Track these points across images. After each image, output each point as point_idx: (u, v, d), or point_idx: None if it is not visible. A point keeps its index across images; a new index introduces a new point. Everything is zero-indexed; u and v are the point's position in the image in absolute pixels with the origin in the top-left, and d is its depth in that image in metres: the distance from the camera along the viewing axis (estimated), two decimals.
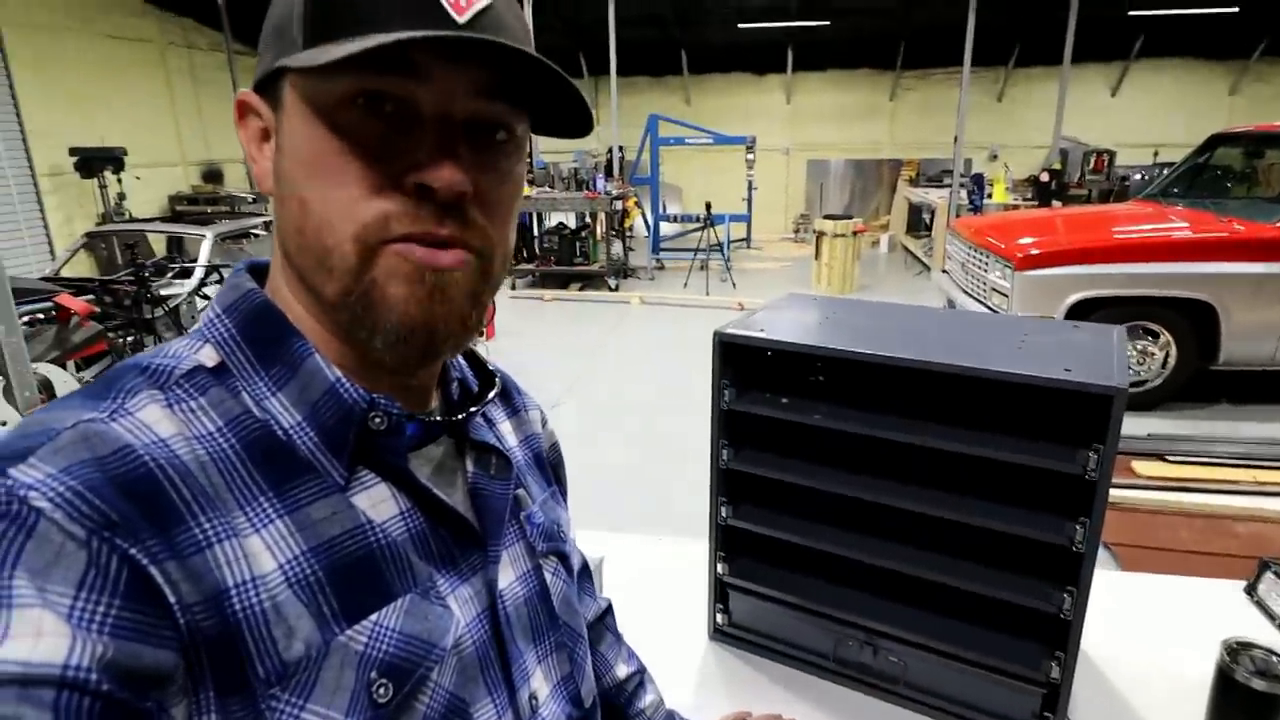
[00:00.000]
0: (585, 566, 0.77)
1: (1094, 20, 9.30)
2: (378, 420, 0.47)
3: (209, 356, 0.47)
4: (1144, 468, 3.51)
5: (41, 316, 3.77)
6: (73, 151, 7.51)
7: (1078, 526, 0.89)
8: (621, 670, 0.78)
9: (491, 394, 0.58)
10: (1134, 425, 4.12)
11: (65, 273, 5.43)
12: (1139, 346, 4.48)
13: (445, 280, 0.45)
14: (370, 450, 0.48)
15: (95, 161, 7.63)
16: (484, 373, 0.62)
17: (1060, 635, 0.92)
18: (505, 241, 0.49)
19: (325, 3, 0.43)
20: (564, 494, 0.71)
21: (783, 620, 1.15)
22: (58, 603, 0.35)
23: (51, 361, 3.07)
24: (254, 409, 0.45)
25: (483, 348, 5.35)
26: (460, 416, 0.55)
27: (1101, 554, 2.91)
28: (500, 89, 0.45)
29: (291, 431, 0.46)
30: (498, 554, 0.55)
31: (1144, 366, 4.49)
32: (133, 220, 7.57)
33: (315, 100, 0.44)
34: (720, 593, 1.19)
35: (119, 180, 7.88)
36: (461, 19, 0.43)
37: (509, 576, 0.56)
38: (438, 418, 0.53)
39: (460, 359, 0.61)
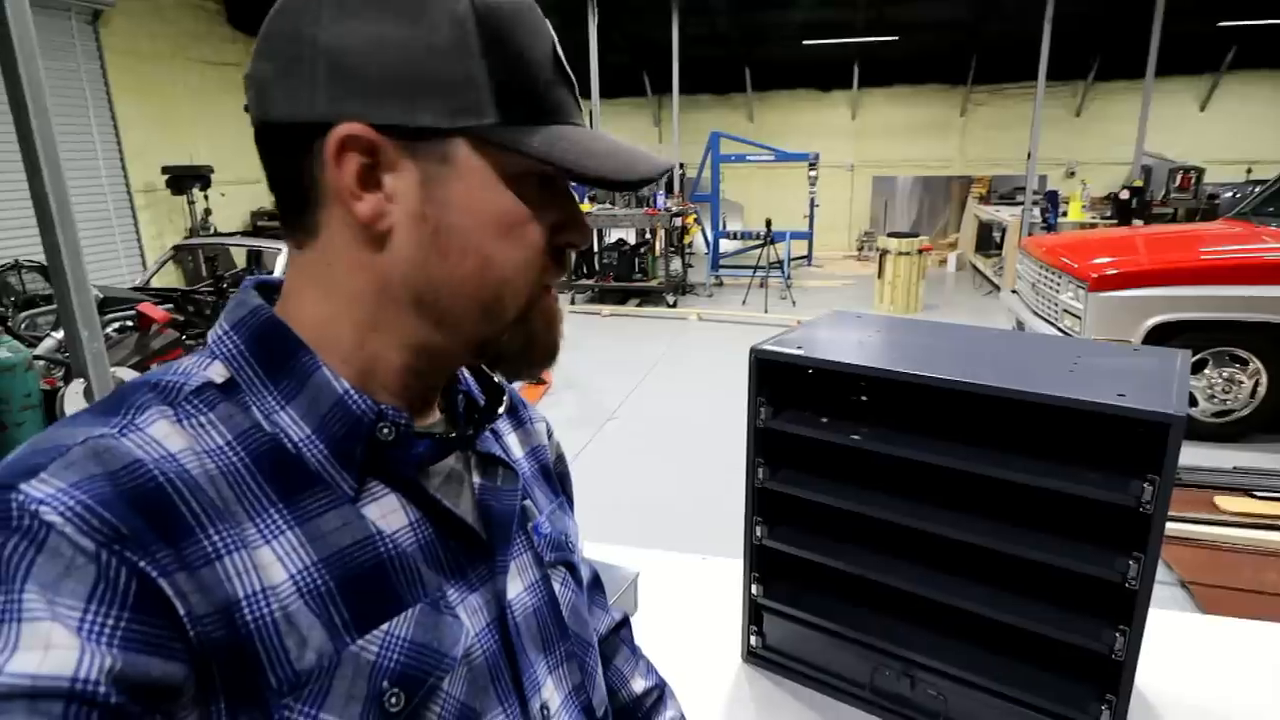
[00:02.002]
0: (596, 578, 0.76)
1: (1181, 32, 8.89)
2: (386, 431, 0.48)
3: (218, 373, 0.47)
4: (1229, 503, 3.30)
5: (130, 324, 4.01)
6: (165, 170, 7.99)
7: (1131, 562, 0.83)
8: (638, 684, 0.77)
9: (501, 409, 0.58)
10: (1219, 457, 3.89)
11: (154, 283, 5.76)
12: (1225, 374, 4.22)
13: (559, 314, 0.54)
14: (379, 461, 0.49)
15: (185, 179, 8.08)
16: (490, 386, 0.62)
17: (1112, 677, 0.87)
18: None
19: (512, 78, 0.46)
20: (571, 505, 0.71)
21: (818, 645, 1.11)
22: (67, 615, 0.35)
23: (131, 366, 3.26)
24: (263, 423, 0.46)
25: None
26: (471, 432, 0.56)
27: (1180, 594, 2.75)
28: None
29: (301, 444, 0.46)
30: (506, 564, 0.55)
31: (1231, 395, 4.23)
32: (216, 234, 7.98)
33: (505, 168, 0.47)
34: (754, 614, 1.17)
35: (205, 196, 8.32)
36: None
37: (517, 587, 0.56)
38: (453, 434, 0.54)
39: (466, 373, 0.61)
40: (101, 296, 3.95)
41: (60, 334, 3.64)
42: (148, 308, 3.58)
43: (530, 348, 0.52)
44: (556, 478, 0.70)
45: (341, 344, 0.49)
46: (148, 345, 3.51)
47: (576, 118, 0.50)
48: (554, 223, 0.50)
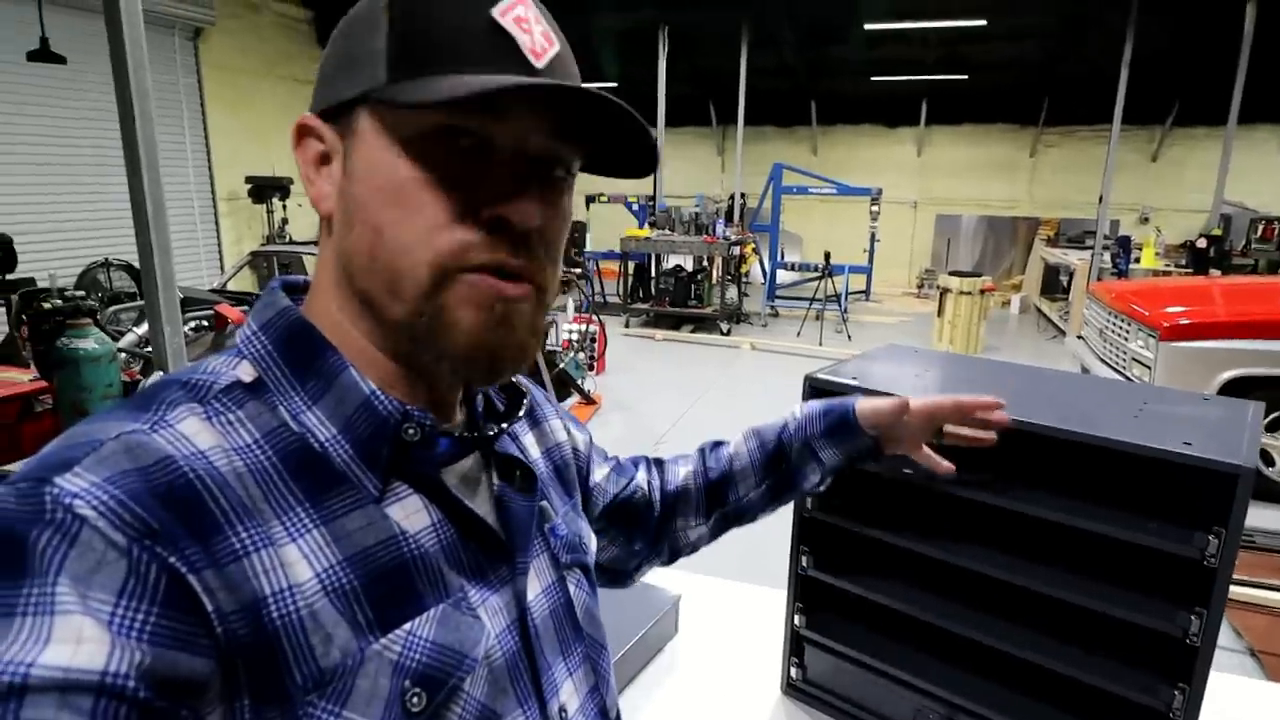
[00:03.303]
0: (589, 443, 0.76)
1: (1267, 77, 8.57)
2: (411, 432, 0.48)
3: (246, 372, 0.48)
4: None
5: (205, 324, 4.21)
6: (248, 180, 8.42)
7: (1193, 617, 0.80)
8: (682, 472, 0.87)
9: (521, 412, 0.59)
10: None
11: (231, 286, 6.03)
12: None
13: (511, 310, 0.47)
14: (403, 462, 0.49)
15: (266, 189, 8.51)
16: (510, 388, 0.62)
17: None
18: (556, 275, 0.51)
19: (411, 39, 0.45)
20: (612, 461, 0.80)
21: (859, 681, 1.10)
22: (99, 609, 0.35)
23: None
24: (291, 422, 0.46)
25: (592, 381, 5.44)
26: (493, 433, 0.56)
27: (1249, 663, 2.60)
28: (565, 129, 0.48)
29: (327, 444, 0.47)
30: (526, 566, 0.55)
31: None
32: (291, 243, 8.32)
33: (398, 131, 0.45)
34: (796, 645, 1.16)
35: (284, 206, 8.72)
36: (539, 64, 0.46)
37: (535, 589, 0.56)
38: (468, 434, 0.54)
39: None
40: (182, 296, 4.16)
41: (142, 329, 3.84)
42: (225, 308, 3.76)
43: (445, 333, 0.47)
44: (581, 470, 0.71)
45: (351, 340, 0.50)
46: (222, 344, 3.69)
47: (501, 71, 0.45)
48: (480, 192, 0.46)
